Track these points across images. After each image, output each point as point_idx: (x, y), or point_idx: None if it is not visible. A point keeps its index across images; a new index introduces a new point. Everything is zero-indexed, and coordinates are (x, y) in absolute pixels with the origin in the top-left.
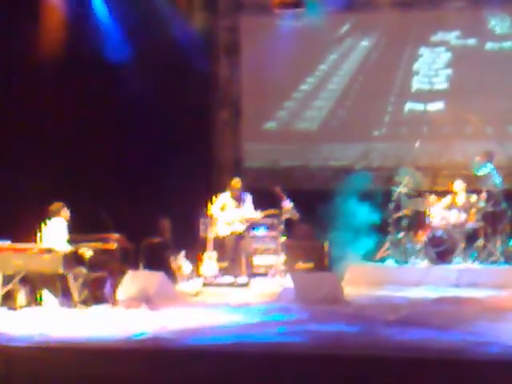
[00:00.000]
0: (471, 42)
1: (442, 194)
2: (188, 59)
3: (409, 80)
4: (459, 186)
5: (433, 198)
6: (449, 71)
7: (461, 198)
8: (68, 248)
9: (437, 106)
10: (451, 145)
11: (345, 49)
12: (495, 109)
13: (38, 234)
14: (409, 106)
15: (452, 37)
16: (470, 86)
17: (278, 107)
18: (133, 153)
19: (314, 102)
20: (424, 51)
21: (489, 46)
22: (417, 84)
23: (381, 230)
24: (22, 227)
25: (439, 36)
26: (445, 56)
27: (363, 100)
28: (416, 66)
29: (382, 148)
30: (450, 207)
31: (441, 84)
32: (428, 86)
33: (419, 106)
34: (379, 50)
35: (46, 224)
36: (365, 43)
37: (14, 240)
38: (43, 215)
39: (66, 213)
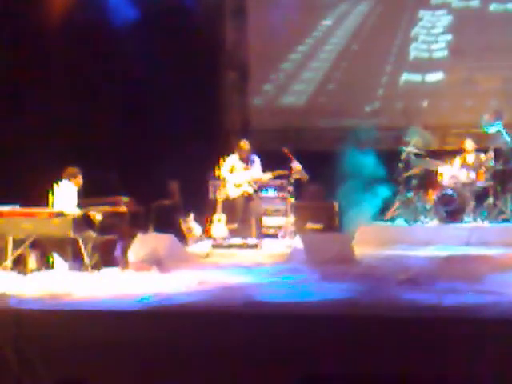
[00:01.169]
0: (474, 3)
1: (451, 154)
2: (195, 21)
3: (406, 48)
4: (470, 144)
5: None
6: (449, 37)
7: (471, 157)
8: (78, 212)
9: (436, 76)
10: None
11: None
12: (499, 77)
13: (48, 198)
14: (405, 76)
15: None
16: (472, 51)
17: (275, 74)
18: (141, 116)
19: (305, 73)
20: (424, 15)
21: (493, 7)
22: (415, 52)
23: (391, 189)
24: (31, 192)
25: None
26: (445, 19)
27: (356, 70)
28: (414, 32)
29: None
30: (461, 166)
31: (440, 51)
32: (427, 54)
33: (416, 77)
34: (376, 15)
35: (55, 188)
36: (361, 7)
37: (23, 204)
38: (53, 180)
39: (79, 179)
